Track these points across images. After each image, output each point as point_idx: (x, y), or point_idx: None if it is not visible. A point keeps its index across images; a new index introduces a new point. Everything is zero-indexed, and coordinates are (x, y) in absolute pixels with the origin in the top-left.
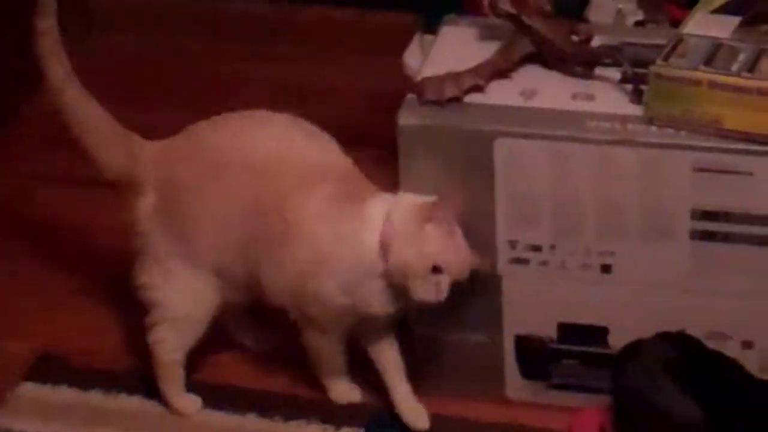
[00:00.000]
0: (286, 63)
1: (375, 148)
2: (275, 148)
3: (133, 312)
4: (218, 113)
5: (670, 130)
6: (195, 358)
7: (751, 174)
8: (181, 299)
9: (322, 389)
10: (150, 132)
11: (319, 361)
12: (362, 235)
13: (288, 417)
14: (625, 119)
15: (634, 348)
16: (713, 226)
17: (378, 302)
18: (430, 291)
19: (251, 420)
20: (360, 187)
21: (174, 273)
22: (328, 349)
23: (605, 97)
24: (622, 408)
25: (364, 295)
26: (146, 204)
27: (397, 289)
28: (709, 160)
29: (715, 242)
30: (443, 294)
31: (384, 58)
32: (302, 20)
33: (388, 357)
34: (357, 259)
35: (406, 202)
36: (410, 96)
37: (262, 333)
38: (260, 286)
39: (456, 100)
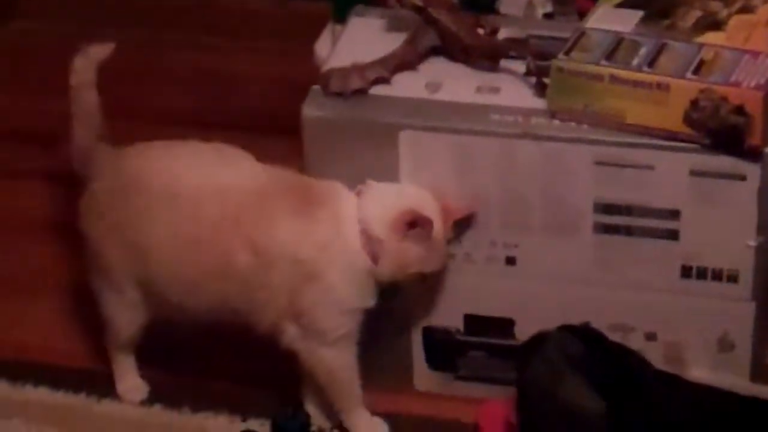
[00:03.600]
0: (202, 51)
1: (292, 136)
2: (211, 181)
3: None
4: (132, 103)
5: (573, 124)
6: None
7: (651, 168)
8: (108, 303)
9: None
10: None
11: (338, 385)
12: (344, 240)
13: (195, 408)
14: (528, 113)
15: (539, 340)
16: (615, 220)
17: (371, 297)
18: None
19: (156, 412)
20: (314, 192)
21: (102, 277)
22: (344, 364)
23: (510, 90)
24: (526, 400)
25: (362, 293)
26: (86, 204)
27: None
28: (611, 153)
29: (618, 235)
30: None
31: (302, 46)
32: (219, 8)
33: None
34: (348, 263)
35: (379, 205)
36: (315, 87)
37: None
38: (238, 317)
39: (361, 91)
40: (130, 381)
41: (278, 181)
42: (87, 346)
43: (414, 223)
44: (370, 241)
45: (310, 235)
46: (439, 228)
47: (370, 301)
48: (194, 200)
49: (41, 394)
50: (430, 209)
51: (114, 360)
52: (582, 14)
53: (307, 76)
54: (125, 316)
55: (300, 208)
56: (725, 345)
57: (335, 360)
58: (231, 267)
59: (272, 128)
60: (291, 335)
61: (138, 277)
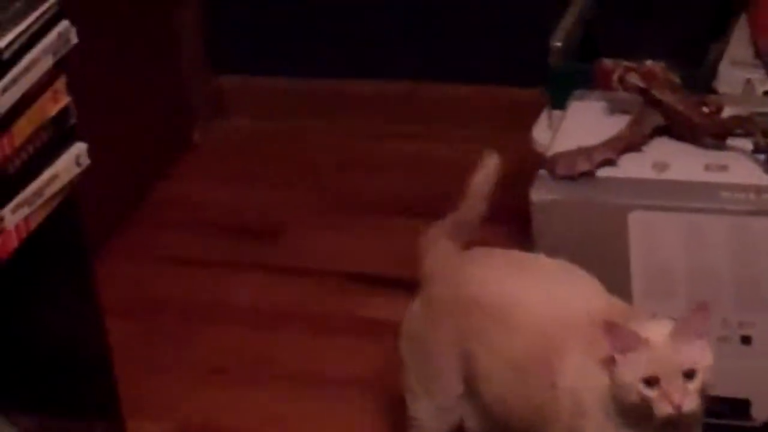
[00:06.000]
0: (413, 139)
1: (505, 224)
2: (546, 302)
3: (267, 391)
4: (349, 193)
5: None
6: None
7: None
8: (420, 407)
9: None
10: (276, 211)
11: None
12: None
13: None
14: (759, 189)
15: None
16: None
17: None
18: (661, 405)
19: None
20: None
21: (424, 381)
22: None
23: (738, 167)
24: None
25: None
26: (415, 307)
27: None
28: None
29: None
30: (680, 401)
31: (510, 133)
32: (426, 97)
33: None
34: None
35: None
36: (542, 171)
37: None
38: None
39: (588, 174)
40: None
41: (597, 317)
42: None
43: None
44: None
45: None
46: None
47: None
48: (526, 327)
49: None
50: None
51: None
52: None
53: (517, 162)
54: (436, 422)
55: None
56: None
57: None
58: (543, 400)
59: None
60: None
61: (465, 387)
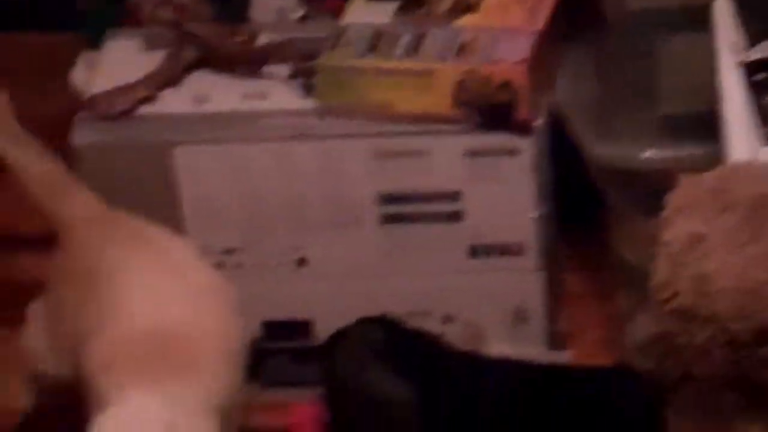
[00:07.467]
0: None
1: None
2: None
3: None
4: None
5: (345, 120)
6: None
7: (427, 153)
8: None
9: None
10: None
11: None
12: None
13: None
14: (298, 114)
15: (339, 336)
16: (398, 209)
17: None
18: None
19: None
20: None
21: None
22: None
23: (276, 94)
24: (334, 396)
25: None
26: None
27: None
28: (385, 145)
29: (402, 224)
30: None
31: (51, 80)
32: None
33: None
34: None
35: None
36: (82, 114)
37: None
38: None
39: (128, 112)
40: None
41: None
42: None
43: None
44: None
45: None
46: None
47: None
48: None
49: None
50: None
51: None
52: (334, 14)
53: (55, 110)
54: None
55: None
56: (520, 317)
57: None
58: None
59: None
60: None
61: None
